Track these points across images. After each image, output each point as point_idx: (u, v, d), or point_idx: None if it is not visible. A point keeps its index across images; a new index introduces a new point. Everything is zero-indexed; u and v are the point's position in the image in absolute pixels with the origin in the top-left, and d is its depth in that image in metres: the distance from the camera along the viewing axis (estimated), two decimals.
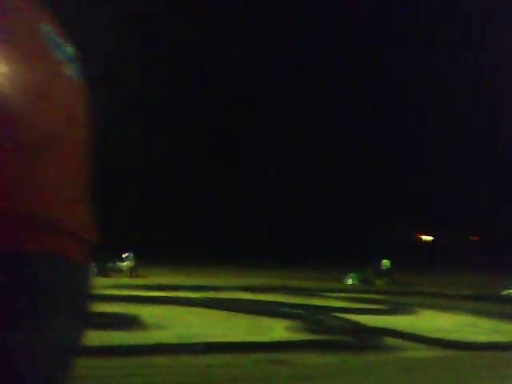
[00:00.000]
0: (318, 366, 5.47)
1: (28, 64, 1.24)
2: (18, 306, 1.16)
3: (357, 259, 19.01)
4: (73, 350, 1.30)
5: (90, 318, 1.38)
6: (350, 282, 16.86)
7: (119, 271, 15.91)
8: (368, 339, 6.81)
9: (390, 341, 6.80)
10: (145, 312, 7.70)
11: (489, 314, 9.72)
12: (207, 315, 8.55)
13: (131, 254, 16.19)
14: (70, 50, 1.37)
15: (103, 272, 14.79)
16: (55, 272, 1.21)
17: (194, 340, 6.10)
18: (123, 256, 16.19)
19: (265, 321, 8.03)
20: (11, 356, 1.16)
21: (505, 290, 14.20)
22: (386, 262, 17.25)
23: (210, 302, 9.73)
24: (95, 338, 5.20)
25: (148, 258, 17.19)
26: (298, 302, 10.25)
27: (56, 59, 1.30)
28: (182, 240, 27.13)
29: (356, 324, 7.90)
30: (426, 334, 7.12)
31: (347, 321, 8.12)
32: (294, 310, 8.97)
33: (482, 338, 7.35)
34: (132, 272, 16.01)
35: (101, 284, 11.33)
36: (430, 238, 45.48)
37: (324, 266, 21.49)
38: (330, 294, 12.64)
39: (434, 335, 7.14)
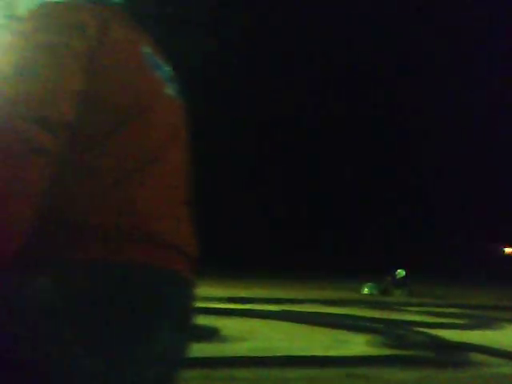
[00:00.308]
0: (402, 382, 5.38)
1: (130, 84, 1.28)
2: (131, 316, 1.19)
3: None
4: (178, 362, 1.33)
5: (194, 331, 1.40)
6: (366, 291, 16.59)
7: None
8: (451, 354, 6.65)
9: (474, 356, 6.62)
10: (223, 324, 7.74)
11: None
12: (285, 328, 8.53)
13: None
14: (169, 70, 1.41)
15: None
16: (164, 285, 1.25)
17: (274, 353, 6.09)
18: None
19: (344, 335, 7.95)
20: (121, 366, 1.19)
21: None
22: (400, 272, 17.06)
23: (287, 315, 9.71)
24: None
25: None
26: (377, 316, 10.12)
27: (157, 79, 1.34)
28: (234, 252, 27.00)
29: (438, 339, 7.72)
30: (510, 350, 6.91)
31: (428, 335, 7.94)
32: (374, 324, 8.86)
33: None
34: None
35: None
36: None
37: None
38: (407, 308, 12.45)
39: None
